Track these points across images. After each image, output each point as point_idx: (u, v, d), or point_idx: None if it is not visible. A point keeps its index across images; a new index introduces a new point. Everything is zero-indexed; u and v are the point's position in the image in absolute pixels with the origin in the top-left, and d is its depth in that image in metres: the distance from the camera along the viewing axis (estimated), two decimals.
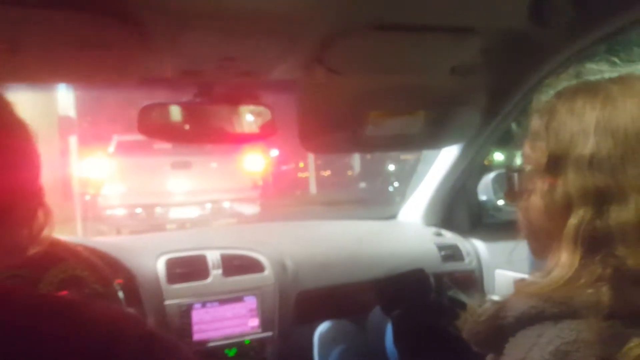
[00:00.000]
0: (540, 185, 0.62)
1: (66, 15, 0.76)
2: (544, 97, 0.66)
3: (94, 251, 1.23)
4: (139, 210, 6.29)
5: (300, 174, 14.98)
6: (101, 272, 1.17)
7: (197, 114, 1.23)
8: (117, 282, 1.20)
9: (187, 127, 1.24)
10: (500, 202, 1.63)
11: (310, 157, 12.79)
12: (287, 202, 9.52)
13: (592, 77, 0.63)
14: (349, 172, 15.09)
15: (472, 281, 1.62)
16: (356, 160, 14.27)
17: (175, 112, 1.25)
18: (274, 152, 12.47)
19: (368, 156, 14.93)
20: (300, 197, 11.24)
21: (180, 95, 1.24)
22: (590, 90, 0.60)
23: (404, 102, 1.18)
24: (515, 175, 0.68)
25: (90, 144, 7.63)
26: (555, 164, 0.59)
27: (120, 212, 6.30)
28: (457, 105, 1.22)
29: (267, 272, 1.41)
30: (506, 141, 1.50)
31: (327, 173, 15.58)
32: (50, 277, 1.16)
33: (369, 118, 1.17)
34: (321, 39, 0.95)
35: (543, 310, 0.55)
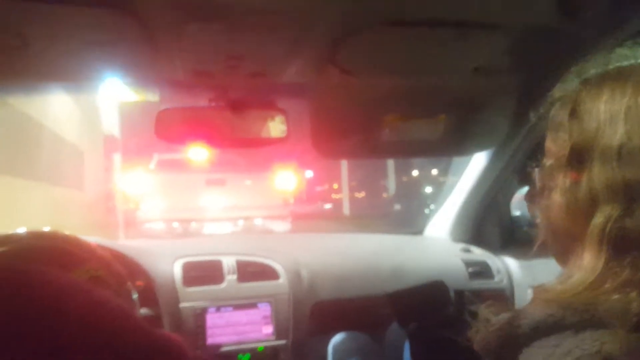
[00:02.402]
0: (562, 181, 0.56)
1: (73, 11, 0.76)
2: (568, 85, 0.61)
3: (114, 253, 1.25)
4: (175, 224, 6.49)
5: (334, 195, 14.96)
6: (119, 273, 1.18)
7: (212, 118, 1.24)
8: (138, 284, 1.22)
9: (203, 131, 1.25)
10: (536, 218, 1.54)
11: (344, 178, 12.76)
12: (319, 223, 9.52)
13: (622, 63, 0.57)
14: (384, 194, 14.93)
15: (502, 300, 1.53)
16: (391, 181, 14.12)
17: (191, 116, 1.26)
18: (309, 174, 12.53)
19: (404, 178, 14.77)
20: (332, 219, 11.20)
21: (196, 100, 1.25)
22: (621, 75, 0.54)
23: (423, 105, 1.14)
24: (535, 172, 0.63)
25: (133, 161, 7.93)
26: (578, 157, 0.53)
27: (158, 225, 6.54)
28: (481, 109, 1.16)
29: (282, 280, 1.39)
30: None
31: (361, 195, 15.49)
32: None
33: (385, 122, 1.14)
34: (333, 36, 0.91)
35: (562, 318, 0.49)
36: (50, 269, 0.39)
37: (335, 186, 14.85)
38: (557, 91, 0.62)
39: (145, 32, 0.83)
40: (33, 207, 6.17)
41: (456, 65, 1.07)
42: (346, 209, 12.38)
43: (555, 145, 0.58)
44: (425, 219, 1.97)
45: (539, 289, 0.56)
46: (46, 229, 1.20)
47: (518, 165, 1.55)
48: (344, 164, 12.80)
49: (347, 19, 0.87)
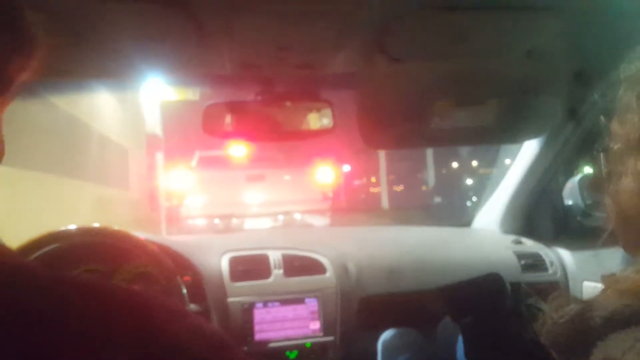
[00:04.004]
0: (633, 164, 0.53)
1: (126, 7, 0.77)
2: (633, 65, 0.57)
3: (163, 248, 1.26)
4: (217, 220, 6.62)
5: (372, 189, 14.87)
6: (169, 268, 1.20)
7: (259, 111, 1.24)
8: (185, 279, 1.23)
9: (250, 124, 1.25)
10: (590, 207, 1.46)
11: (383, 171, 12.65)
12: (358, 217, 9.50)
13: None
14: (423, 187, 14.72)
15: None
16: (430, 174, 13.90)
17: (238, 111, 1.26)
18: (346, 168, 12.51)
19: (443, 170, 14.51)
20: (371, 212, 11.15)
21: (242, 94, 1.25)
22: None
23: (474, 91, 1.09)
24: (602, 156, 0.59)
25: (175, 159, 8.15)
26: None
27: (201, 221, 6.69)
28: (533, 94, 1.10)
29: (329, 274, 1.37)
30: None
31: (399, 188, 15.33)
32: (123, 273, 1.21)
33: (434, 109, 1.10)
34: (381, 22, 0.89)
35: None
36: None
37: (373, 180, 14.75)
38: (623, 72, 0.57)
39: (195, 26, 0.82)
40: (81, 206, 6.43)
41: (508, 50, 1.02)
42: (385, 203, 12.27)
43: (624, 128, 0.54)
44: (467, 211, 1.92)
45: (610, 279, 0.53)
46: (95, 225, 1.23)
47: (571, 152, 1.48)
48: (382, 157, 12.69)
49: (395, 3, 0.85)
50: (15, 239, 0.40)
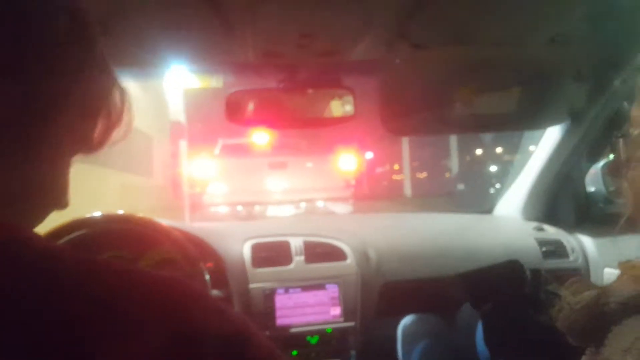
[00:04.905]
0: None
1: None
2: None
3: (186, 235, 1.29)
4: (239, 208, 6.69)
5: (395, 177, 14.78)
6: (192, 255, 1.22)
7: (281, 99, 1.25)
8: (208, 265, 1.25)
9: (272, 112, 1.26)
10: (612, 194, 1.44)
11: (406, 159, 12.54)
12: (380, 204, 9.47)
13: None
14: (447, 174, 14.56)
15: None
16: (454, 161, 13.73)
17: (261, 98, 1.27)
18: (369, 155, 12.43)
19: (467, 157, 14.31)
20: (394, 200, 11.09)
21: (264, 82, 1.26)
22: None
23: (496, 77, 1.08)
24: (621, 141, 0.58)
25: (198, 147, 8.22)
26: None
27: (223, 209, 6.76)
28: (556, 80, 1.09)
29: (350, 260, 1.38)
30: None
31: (423, 175, 15.20)
32: (147, 259, 1.24)
33: (457, 96, 1.09)
34: (405, 8, 0.89)
35: None
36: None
37: (396, 167, 14.65)
38: None
39: (220, 14, 0.84)
40: (106, 193, 6.57)
41: (532, 35, 1.01)
42: (407, 190, 12.18)
43: None
44: (491, 198, 1.90)
45: (626, 265, 0.53)
46: (120, 212, 1.26)
47: (594, 138, 1.45)
48: (406, 144, 12.58)
49: None
50: (41, 226, 0.43)
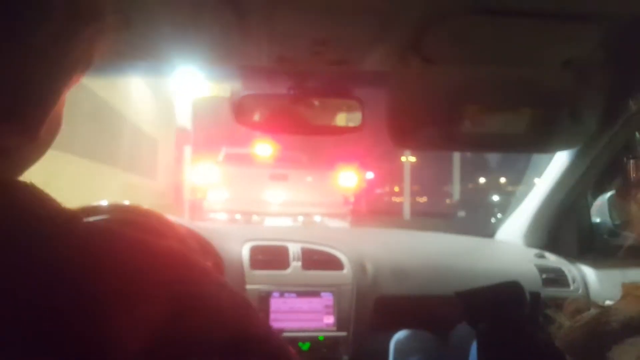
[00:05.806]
0: None
1: None
2: None
3: (189, 231, 1.30)
4: (238, 216, 6.71)
5: (394, 198, 14.74)
6: (194, 250, 1.22)
7: (290, 105, 1.26)
8: (207, 262, 1.25)
9: (281, 118, 1.27)
10: (618, 227, 1.43)
11: (407, 181, 12.53)
12: (378, 223, 9.44)
13: None
14: (447, 200, 14.53)
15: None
16: (456, 188, 13.72)
17: (271, 103, 1.29)
18: (369, 175, 12.43)
19: (470, 185, 14.30)
20: (392, 222, 11.04)
21: (274, 88, 1.27)
22: None
23: (507, 97, 1.08)
24: (631, 163, 0.59)
25: (202, 154, 8.28)
26: None
27: (222, 216, 6.77)
28: (568, 104, 1.09)
29: (346, 270, 1.38)
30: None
31: (423, 199, 15.16)
32: None
33: (465, 113, 1.10)
34: (419, 22, 0.90)
35: None
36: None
37: (397, 189, 14.62)
38: None
39: (237, 16, 0.84)
40: (109, 190, 6.59)
41: (544, 58, 1.02)
42: (406, 214, 12.11)
43: None
44: (491, 227, 1.90)
45: (630, 286, 0.53)
46: (126, 202, 1.26)
47: (603, 167, 1.45)
48: (407, 167, 12.59)
49: (434, 4, 0.85)
50: None
